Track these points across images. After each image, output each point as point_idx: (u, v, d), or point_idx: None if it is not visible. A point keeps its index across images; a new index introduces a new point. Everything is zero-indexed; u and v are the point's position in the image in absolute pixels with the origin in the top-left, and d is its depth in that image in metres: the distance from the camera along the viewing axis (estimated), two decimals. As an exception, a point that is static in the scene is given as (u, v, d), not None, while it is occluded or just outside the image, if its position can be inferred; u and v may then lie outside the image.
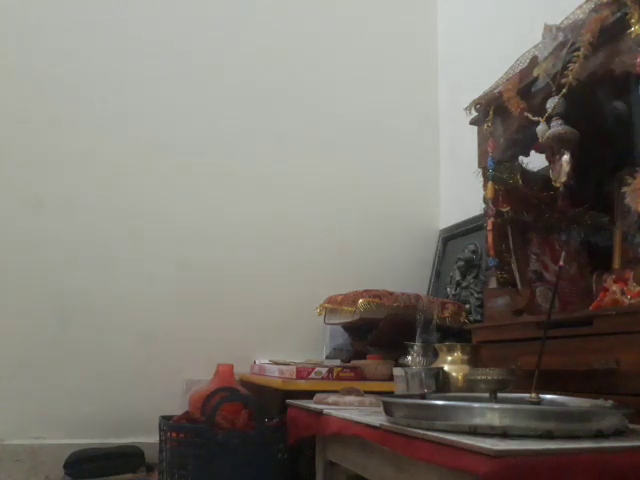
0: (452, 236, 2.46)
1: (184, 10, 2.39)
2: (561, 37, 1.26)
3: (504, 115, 1.47)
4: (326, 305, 2.04)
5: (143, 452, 1.94)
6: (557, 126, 1.24)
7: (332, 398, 1.41)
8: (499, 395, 0.98)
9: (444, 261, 2.47)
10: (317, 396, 1.47)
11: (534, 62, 1.35)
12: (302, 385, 1.66)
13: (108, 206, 2.17)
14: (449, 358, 1.25)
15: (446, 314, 1.91)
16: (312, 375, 1.74)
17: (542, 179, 1.52)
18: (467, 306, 2.06)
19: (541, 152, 1.51)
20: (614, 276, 1.18)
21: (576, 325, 1.15)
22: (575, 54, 1.19)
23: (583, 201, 1.51)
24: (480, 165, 1.57)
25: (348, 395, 1.44)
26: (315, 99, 2.52)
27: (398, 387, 1.39)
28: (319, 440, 1.41)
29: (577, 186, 1.35)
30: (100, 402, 2.04)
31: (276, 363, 1.94)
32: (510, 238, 1.50)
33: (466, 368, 1.20)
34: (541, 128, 1.28)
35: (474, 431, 0.78)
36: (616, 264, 1.34)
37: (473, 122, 1.61)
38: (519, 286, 1.44)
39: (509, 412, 0.79)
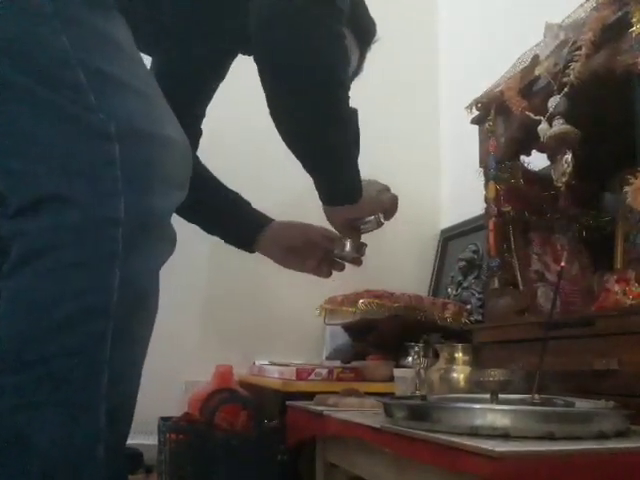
0: (453, 236, 2.45)
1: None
2: (562, 36, 1.25)
3: (505, 114, 1.46)
4: (326, 305, 2.04)
5: (142, 453, 1.93)
6: (559, 125, 1.24)
7: (332, 399, 1.40)
8: (500, 396, 0.97)
9: (445, 261, 2.46)
10: (317, 397, 1.46)
11: (535, 61, 1.34)
12: (302, 386, 1.65)
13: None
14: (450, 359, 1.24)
15: (447, 315, 1.90)
16: (312, 376, 1.73)
17: (544, 179, 1.51)
18: (468, 306, 2.05)
19: (543, 152, 1.50)
20: (616, 276, 1.18)
21: (578, 326, 1.14)
22: (576, 53, 1.19)
23: (585, 201, 1.50)
24: (481, 165, 1.56)
25: (348, 396, 1.43)
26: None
27: (399, 388, 1.39)
28: (319, 442, 1.41)
29: (579, 186, 1.35)
30: (99, 403, 2.04)
31: (276, 364, 1.94)
32: (511, 238, 1.49)
33: (467, 369, 1.20)
34: (542, 127, 1.27)
35: (475, 432, 0.78)
36: (618, 264, 1.33)
37: (474, 121, 1.61)
38: (521, 286, 1.44)
39: (510, 413, 0.78)
